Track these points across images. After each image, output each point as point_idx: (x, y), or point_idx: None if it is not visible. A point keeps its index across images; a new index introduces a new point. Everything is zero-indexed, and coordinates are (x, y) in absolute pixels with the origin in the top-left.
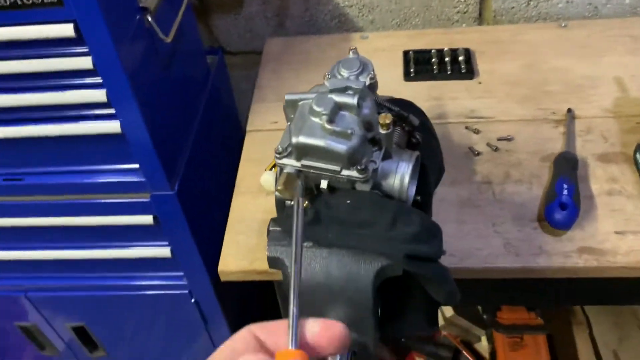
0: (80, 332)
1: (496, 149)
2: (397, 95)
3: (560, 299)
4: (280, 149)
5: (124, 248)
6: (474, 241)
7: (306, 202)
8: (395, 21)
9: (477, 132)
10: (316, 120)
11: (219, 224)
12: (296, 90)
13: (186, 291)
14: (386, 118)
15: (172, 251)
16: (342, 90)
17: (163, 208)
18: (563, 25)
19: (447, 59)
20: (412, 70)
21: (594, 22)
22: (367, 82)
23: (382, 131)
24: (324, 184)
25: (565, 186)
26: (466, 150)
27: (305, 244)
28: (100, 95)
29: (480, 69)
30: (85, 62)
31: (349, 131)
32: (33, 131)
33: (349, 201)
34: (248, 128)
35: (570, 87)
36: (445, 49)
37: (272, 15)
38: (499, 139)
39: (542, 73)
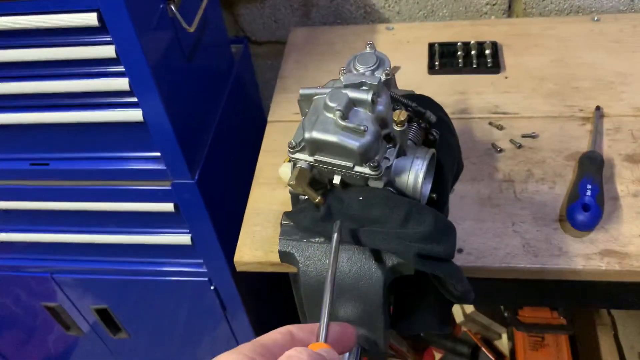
0: (103, 314)
1: (520, 146)
2: (420, 89)
3: (582, 301)
4: (293, 143)
5: (146, 234)
6: (491, 240)
7: (319, 198)
8: (422, 12)
9: (500, 128)
10: (330, 115)
11: (239, 214)
12: (318, 81)
13: (206, 279)
14: (401, 115)
15: (192, 239)
16: (357, 86)
17: (183, 196)
18: (596, 19)
19: (473, 52)
20: (436, 63)
21: (627, 16)
22: (383, 78)
23: (397, 128)
24: (337, 179)
25: (589, 186)
26: (489, 146)
27: (316, 239)
28: (122, 83)
29: (507, 63)
30: (109, 51)
31: (362, 128)
32: (58, 117)
33: (361, 198)
34: (269, 118)
35: (600, 83)
36: (472, 42)
37: (298, 5)
38: (523, 136)
39: (571, 68)
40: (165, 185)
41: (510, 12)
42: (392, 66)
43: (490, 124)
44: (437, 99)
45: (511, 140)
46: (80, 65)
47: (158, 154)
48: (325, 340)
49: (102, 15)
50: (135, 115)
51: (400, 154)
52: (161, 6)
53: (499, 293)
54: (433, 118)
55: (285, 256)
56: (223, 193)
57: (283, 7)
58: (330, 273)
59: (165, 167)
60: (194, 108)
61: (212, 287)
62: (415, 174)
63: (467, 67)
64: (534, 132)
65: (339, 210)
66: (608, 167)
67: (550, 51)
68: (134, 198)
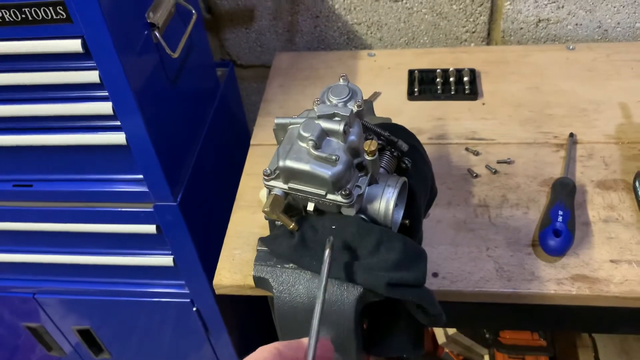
0: (86, 335)
1: (495, 172)
2: (399, 114)
3: (558, 325)
4: (268, 171)
5: (128, 255)
6: (466, 264)
7: (292, 225)
8: (404, 39)
9: (477, 154)
10: (303, 145)
11: (221, 235)
12: (301, 105)
13: (188, 300)
14: (372, 145)
15: (174, 260)
16: (330, 117)
17: (166, 218)
18: (570, 47)
19: (451, 79)
20: (416, 89)
21: (601, 46)
22: (355, 110)
23: (368, 157)
24: (310, 206)
25: (560, 212)
26: (465, 172)
27: (290, 265)
28: (106, 108)
29: (484, 90)
30: (92, 76)
31: (334, 157)
32: (42, 140)
33: (334, 226)
34: (252, 142)
35: (573, 110)
36: (451, 69)
37: (283, 30)
38: (499, 162)
39: (546, 96)
40: (148, 207)
41: (489, 39)
42: (374, 92)
43: (466, 149)
44: (416, 124)
45: (487, 166)
46: (64, 90)
47: (140, 176)
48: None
49: (86, 42)
50: (118, 138)
51: (372, 182)
52: (145, 32)
53: (478, 316)
54: (405, 147)
55: (259, 281)
56: (205, 215)
57: (268, 32)
58: (322, 288)
59: (147, 190)
60: (178, 131)
61: (194, 309)
62: (386, 202)
63: (446, 94)
64: (509, 158)
65: (312, 238)
66: (580, 193)
67: (527, 78)
68: (117, 220)
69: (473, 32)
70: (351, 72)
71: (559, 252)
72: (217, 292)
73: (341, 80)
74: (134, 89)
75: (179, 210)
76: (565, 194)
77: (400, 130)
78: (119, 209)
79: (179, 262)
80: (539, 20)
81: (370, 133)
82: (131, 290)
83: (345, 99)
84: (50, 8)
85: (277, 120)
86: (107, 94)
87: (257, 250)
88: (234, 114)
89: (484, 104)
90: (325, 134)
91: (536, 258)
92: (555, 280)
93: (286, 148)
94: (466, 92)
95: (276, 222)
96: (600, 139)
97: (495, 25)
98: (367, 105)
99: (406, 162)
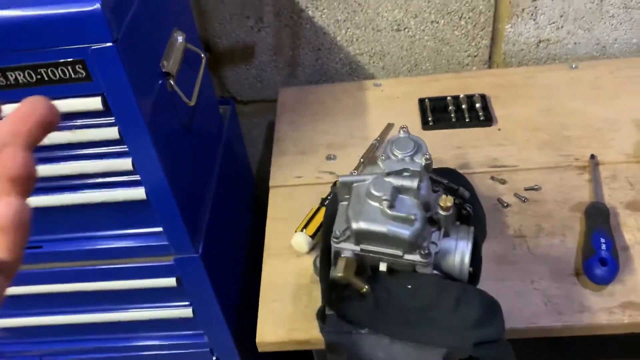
0: None
1: (525, 200)
2: None
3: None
4: (337, 233)
5: (143, 310)
6: (514, 300)
7: (366, 287)
8: (406, 67)
9: (503, 182)
10: (375, 204)
11: (239, 279)
12: (315, 141)
13: (207, 349)
14: (447, 201)
15: (193, 311)
16: (399, 173)
17: (187, 270)
18: (573, 66)
19: (464, 106)
20: (430, 118)
21: (602, 63)
22: (423, 163)
23: (443, 213)
24: (383, 266)
25: (602, 240)
26: (495, 202)
27: (365, 330)
28: (125, 164)
29: (497, 115)
30: (112, 133)
31: (412, 217)
32: (56, 200)
33: (410, 286)
34: (271, 184)
35: (589, 131)
36: (461, 96)
37: (284, 65)
38: (526, 189)
39: (559, 117)
40: (167, 261)
41: (490, 62)
42: (387, 124)
43: (492, 178)
44: (436, 154)
45: (516, 195)
46: (79, 148)
47: (159, 229)
48: None
49: (106, 99)
50: (137, 193)
51: (444, 235)
52: (160, 82)
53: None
54: (467, 194)
55: (332, 347)
56: (223, 261)
57: (269, 67)
58: None
59: (167, 242)
60: (193, 179)
61: (214, 358)
62: (461, 255)
63: (460, 121)
64: (536, 185)
65: (387, 300)
66: (612, 216)
67: (536, 101)
68: (133, 276)
69: (475, 56)
70: (360, 104)
71: (607, 280)
72: (260, 349)
73: (402, 132)
74: (155, 142)
75: (201, 261)
76: (601, 220)
77: (453, 175)
78: (136, 265)
79: (199, 312)
80: (540, 41)
81: (435, 184)
82: (147, 344)
83: (411, 153)
84: (69, 67)
85: (341, 179)
86: (125, 149)
87: (326, 314)
88: (238, 152)
89: (499, 129)
90: (397, 191)
91: (582, 288)
92: (606, 310)
93: (356, 209)
94: (481, 118)
95: (340, 282)
96: (621, 159)
97: (497, 48)
98: None
99: (467, 208)
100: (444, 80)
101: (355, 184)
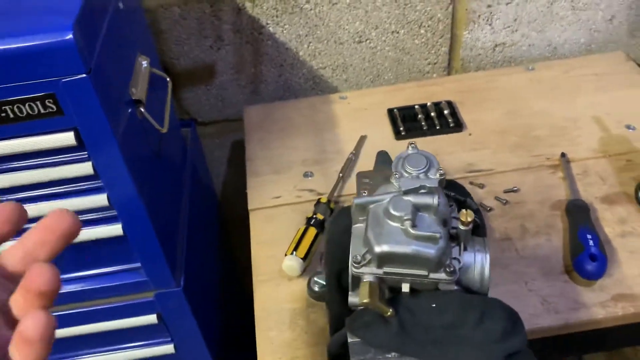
0: None
1: (506, 202)
2: (391, 155)
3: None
4: (358, 258)
5: (123, 350)
6: (512, 303)
7: (390, 311)
8: (369, 78)
9: (481, 186)
10: (395, 225)
11: (218, 309)
12: (287, 159)
13: None
14: (468, 215)
15: (175, 347)
16: (416, 190)
17: (168, 305)
18: (530, 68)
19: (432, 113)
20: (401, 128)
21: (556, 63)
22: (438, 178)
23: (463, 228)
24: (405, 287)
25: (589, 236)
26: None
27: (392, 354)
28: (100, 199)
29: (466, 120)
30: (85, 168)
31: (438, 235)
32: None
33: (434, 305)
34: (250, 207)
35: (555, 130)
36: (429, 104)
37: (246, 82)
38: (506, 191)
39: (525, 118)
40: (147, 297)
41: (449, 68)
42: (360, 136)
43: (471, 183)
44: None
45: (496, 198)
46: (51, 186)
47: (137, 265)
48: None
49: (79, 133)
50: (113, 229)
51: (462, 250)
52: (129, 110)
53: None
54: (474, 205)
55: None
56: (204, 292)
57: (230, 86)
58: None
59: (146, 278)
60: (168, 209)
61: None
62: (480, 268)
63: (432, 129)
64: (515, 187)
65: (411, 321)
66: (591, 211)
67: (501, 104)
68: (112, 316)
69: (435, 64)
70: (328, 118)
71: (597, 275)
72: None
73: (410, 148)
74: (132, 174)
75: (183, 294)
76: (583, 216)
77: (456, 187)
78: (114, 305)
79: (181, 348)
80: (496, 45)
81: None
82: None
83: (424, 169)
84: (38, 102)
85: (356, 201)
86: (99, 184)
87: (349, 343)
88: (203, 176)
89: (470, 134)
90: (416, 209)
91: (574, 285)
92: (600, 304)
93: (376, 231)
94: (451, 125)
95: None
96: (589, 155)
97: (455, 54)
98: (384, 157)
99: (477, 220)
100: (408, 89)
101: (371, 205)
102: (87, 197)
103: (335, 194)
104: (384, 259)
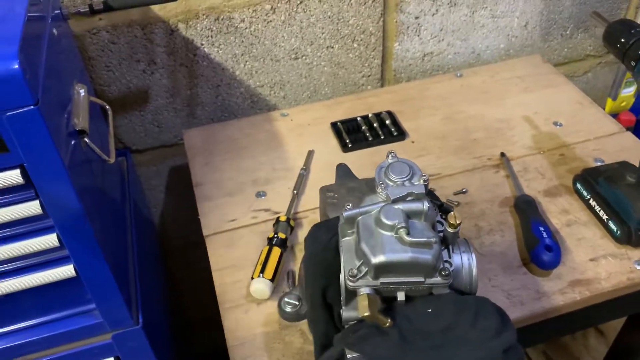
0: None
1: (457, 204)
2: None
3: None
4: (355, 271)
5: None
6: None
7: (389, 321)
8: (307, 93)
9: (432, 190)
10: (388, 234)
11: (175, 345)
12: (237, 181)
13: None
14: (457, 218)
15: None
16: (403, 198)
17: (127, 346)
18: (458, 74)
19: (375, 124)
20: (347, 141)
21: (482, 69)
22: (423, 184)
23: (451, 230)
24: (401, 295)
25: (541, 229)
26: None
27: None
28: (50, 240)
29: (407, 128)
30: (33, 208)
31: (433, 239)
32: None
33: (430, 310)
34: (205, 233)
35: (491, 131)
36: (370, 115)
37: (182, 105)
38: (455, 194)
39: (461, 122)
40: (104, 340)
41: (383, 80)
42: (307, 151)
43: None
44: (363, 174)
45: (448, 200)
46: None
47: (92, 306)
48: None
49: (26, 170)
50: (64, 271)
51: (451, 252)
52: (73, 142)
53: None
54: (451, 208)
55: None
56: (161, 329)
57: (166, 110)
58: None
59: (102, 320)
60: (118, 245)
61: None
62: (469, 269)
63: (377, 139)
64: (464, 189)
65: (409, 329)
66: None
67: (437, 110)
68: None
69: (369, 76)
70: (273, 136)
71: (554, 265)
72: None
73: (390, 157)
74: (86, 210)
75: (143, 333)
76: (533, 211)
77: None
78: (68, 352)
79: None
80: (424, 55)
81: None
82: None
83: (408, 177)
84: None
85: (345, 214)
86: (49, 223)
87: (347, 357)
88: (143, 206)
89: (413, 141)
90: (407, 216)
91: (533, 276)
92: (559, 292)
93: (371, 243)
94: (394, 134)
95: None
96: (526, 152)
97: (387, 66)
98: (344, 170)
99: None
100: (347, 102)
101: (359, 217)
102: (35, 238)
103: (293, 211)
104: (380, 270)
